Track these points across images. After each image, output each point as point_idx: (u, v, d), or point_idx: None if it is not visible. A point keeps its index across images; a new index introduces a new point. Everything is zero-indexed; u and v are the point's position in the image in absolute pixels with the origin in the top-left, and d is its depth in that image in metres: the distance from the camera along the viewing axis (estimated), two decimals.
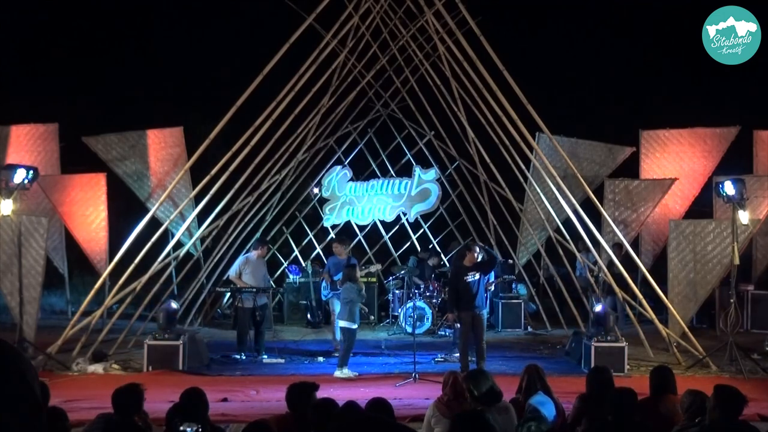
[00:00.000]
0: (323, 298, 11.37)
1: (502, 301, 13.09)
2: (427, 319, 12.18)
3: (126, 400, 4.55)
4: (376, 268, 12.14)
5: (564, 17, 19.96)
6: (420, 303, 12.01)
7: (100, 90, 19.27)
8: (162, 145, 12.94)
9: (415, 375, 8.59)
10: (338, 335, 10.42)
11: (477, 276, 9.26)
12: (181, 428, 3.99)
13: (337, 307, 10.29)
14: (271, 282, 10.92)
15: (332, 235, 15.11)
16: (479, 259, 9.43)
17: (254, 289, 10.25)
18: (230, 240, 13.48)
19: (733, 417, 4.24)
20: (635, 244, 12.86)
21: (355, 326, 9.26)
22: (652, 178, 13.03)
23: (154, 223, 11.15)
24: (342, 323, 9.35)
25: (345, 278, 9.47)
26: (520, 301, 13.21)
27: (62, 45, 19.10)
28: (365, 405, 4.51)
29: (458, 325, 9.42)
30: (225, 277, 13.54)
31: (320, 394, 4.98)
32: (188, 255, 12.36)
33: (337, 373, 8.96)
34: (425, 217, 15.07)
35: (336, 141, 15.07)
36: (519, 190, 13.68)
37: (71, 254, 14.14)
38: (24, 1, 18.96)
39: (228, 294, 13.48)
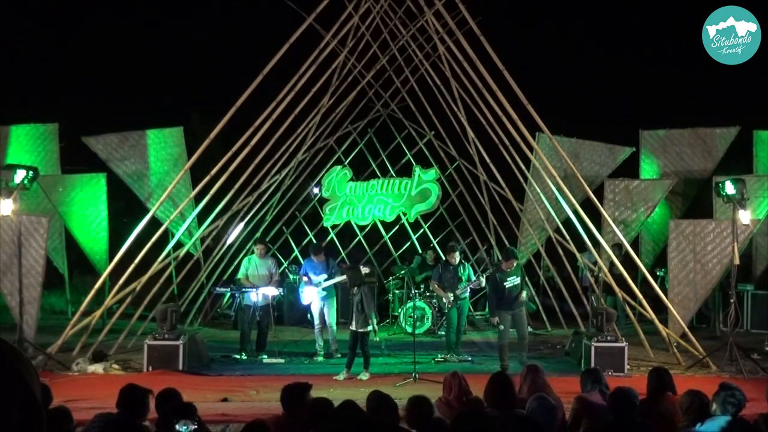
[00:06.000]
0: (304, 302, 10.83)
1: None
2: (427, 319, 12.17)
3: (134, 405, 4.55)
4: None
5: (564, 17, 19.97)
6: (420, 303, 12.01)
7: (100, 90, 19.28)
8: (162, 145, 12.94)
9: (415, 375, 8.59)
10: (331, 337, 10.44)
11: (517, 281, 9.45)
12: (177, 427, 3.98)
13: (330, 310, 10.34)
14: (277, 276, 10.79)
15: (332, 234, 15.13)
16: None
17: (254, 289, 10.25)
18: (230, 240, 13.48)
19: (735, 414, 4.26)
20: (635, 244, 12.86)
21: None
22: (652, 178, 13.04)
23: (154, 223, 11.15)
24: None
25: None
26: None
27: (62, 45, 19.11)
28: (367, 397, 4.51)
29: (501, 327, 9.46)
30: (225, 278, 13.58)
31: (321, 394, 4.98)
32: (188, 255, 12.36)
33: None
34: (425, 217, 15.07)
35: (336, 141, 15.07)
36: (519, 190, 13.67)
37: (71, 254, 14.14)
38: (25, 1, 18.97)
39: (228, 294, 13.48)
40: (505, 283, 9.40)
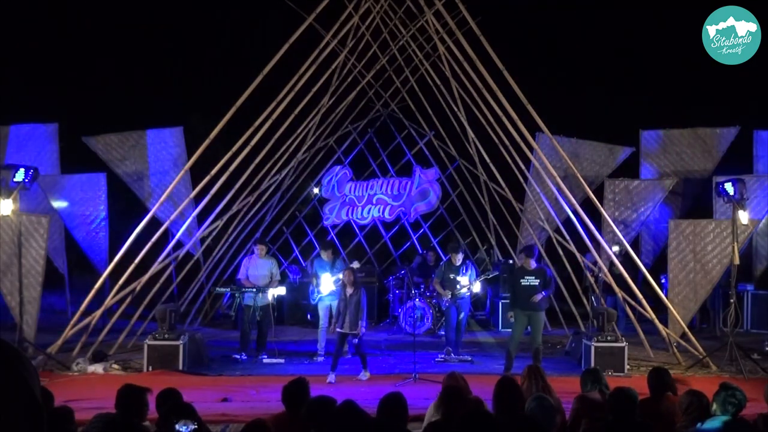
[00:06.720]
0: (314, 302, 10.81)
1: (502, 300, 13.07)
2: (427, 319, 12.16)
3: (132, 405, 4.55)
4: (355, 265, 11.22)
5: (563, 17, 19.96)
6: (420, 303, 12.01)
7: (100, 90, 19.26)
8: (162, 145, 12.94)
9: (415, 375, 8.59)
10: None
11: (536, 281, 9.20)
12: (177, 427, 3.98)
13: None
14: (278, 277, 10.75)
15: (332, 234, 15.13)
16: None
17: (255, 289, 10.25)
18: (230, 240, 13.48)
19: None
20: (635, 244, 12.86)
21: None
22: (652, 178, 13.04)
23: (154, 223, 11.15)
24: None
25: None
26: None
27: (62, 45, 19.09)
28: (380, 399, 4.48)
29: (512, 320, 9.41)
30: (225, 278, 13.59)
31: (320, 393, 4.98)
32: (188, 255, 12.36)
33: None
34: (425, 217, 15.08)
35: (336, 141, 15.08)
36: (519, 190, 13.67)
37: (71, 254, 14.13)
38: (25, 1, 18.96)
39: (228, 294, 13.48)
40: (521, 281, 9.29)
